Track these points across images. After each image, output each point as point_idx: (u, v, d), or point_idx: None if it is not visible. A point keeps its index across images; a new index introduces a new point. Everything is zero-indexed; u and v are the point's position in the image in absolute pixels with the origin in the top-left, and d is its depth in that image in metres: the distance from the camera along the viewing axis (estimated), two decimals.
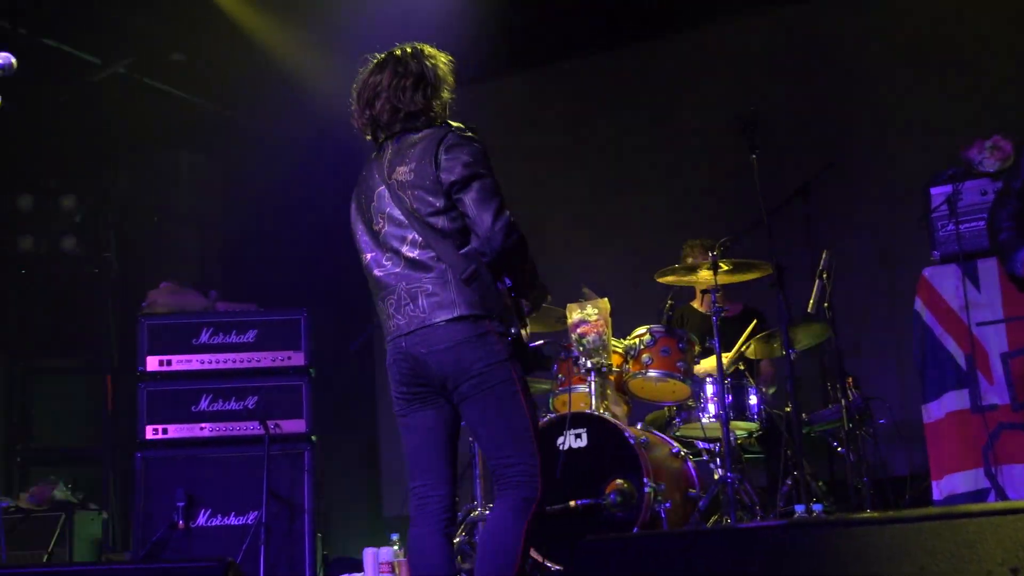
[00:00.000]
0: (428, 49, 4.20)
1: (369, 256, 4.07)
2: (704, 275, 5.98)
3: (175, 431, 6.77)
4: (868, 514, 5.57)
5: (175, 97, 9.87)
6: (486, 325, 3.88)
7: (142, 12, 8.85)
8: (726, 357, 6.11)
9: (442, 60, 4.19)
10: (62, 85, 9.07)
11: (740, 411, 6.07)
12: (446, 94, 4.16)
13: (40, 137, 9.06)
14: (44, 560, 6.87)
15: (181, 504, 6.58)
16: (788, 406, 5.76)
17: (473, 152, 3.96)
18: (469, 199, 3.89)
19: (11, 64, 3.80)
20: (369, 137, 4.21)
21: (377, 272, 4.03)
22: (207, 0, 8.57)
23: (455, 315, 3.86)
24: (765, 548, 2.36)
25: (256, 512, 6.60)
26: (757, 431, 6.25)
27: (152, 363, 6.84)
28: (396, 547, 6.00)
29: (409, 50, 4.18)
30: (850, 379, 6.02)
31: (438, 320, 3.87)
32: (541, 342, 4.09)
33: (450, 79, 4.19)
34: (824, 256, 5.98)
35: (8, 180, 8.60)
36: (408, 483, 4.03)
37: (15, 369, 8.79)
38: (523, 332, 4.03)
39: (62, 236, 8.58)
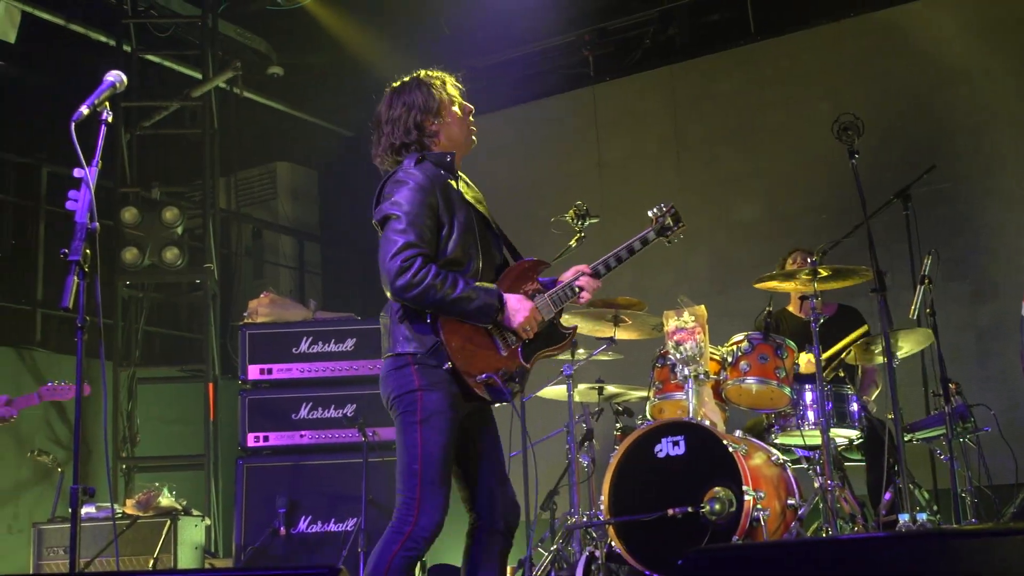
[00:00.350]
0: (426, 74, 4.28)
1: None
2: (803, 282, 5.90)
3: (276, 439, 6.87)
4: (984, 525, 5.46)
5: (274, 110, 10.05)
6: (407, 359, 4.04)
7: (241, 27, 9.03)
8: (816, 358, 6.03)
9: (437, 83, 4.25)
10: (164, 100, 9.27)
11: (840, 418, 5.98)
12: (444, 118, 4.21)
13: (143, 151, 9.28)
14: (150, 566, 7.00)
15: (282, 511, 6.68)
16: (890, 413, 5.66)
17: (398, 192, 4.06)
18: (381, 240, 4.05)
19: (122, 81, 3.91)
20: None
21: None
22: (305, 15, 8.69)
23: (388, 352, 4.13)
24: (877, 560, 2.32)
25: (355, 518, 6.68)
26: (858, 438, 6.16)
27: (253, 372, 6.95)
28: None
29: (407, 79, 4.28)
30: (953, 385, 5.90)
31: (384, 357, 4.17)
32: (485, 376, 4.07)
33: (444, 103, 4.23)
34: (926, 261, 5.88)
35: (112, 193, 8.79)
36: None
37: (120, 378, 8.98)
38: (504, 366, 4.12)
39: (165, 248, 8.72)
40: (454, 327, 4.06)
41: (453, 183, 4.19)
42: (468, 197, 4.23)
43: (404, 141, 4.17)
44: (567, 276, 4.38)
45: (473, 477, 4.19)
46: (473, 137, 4.35)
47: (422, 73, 4.27)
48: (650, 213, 4.76)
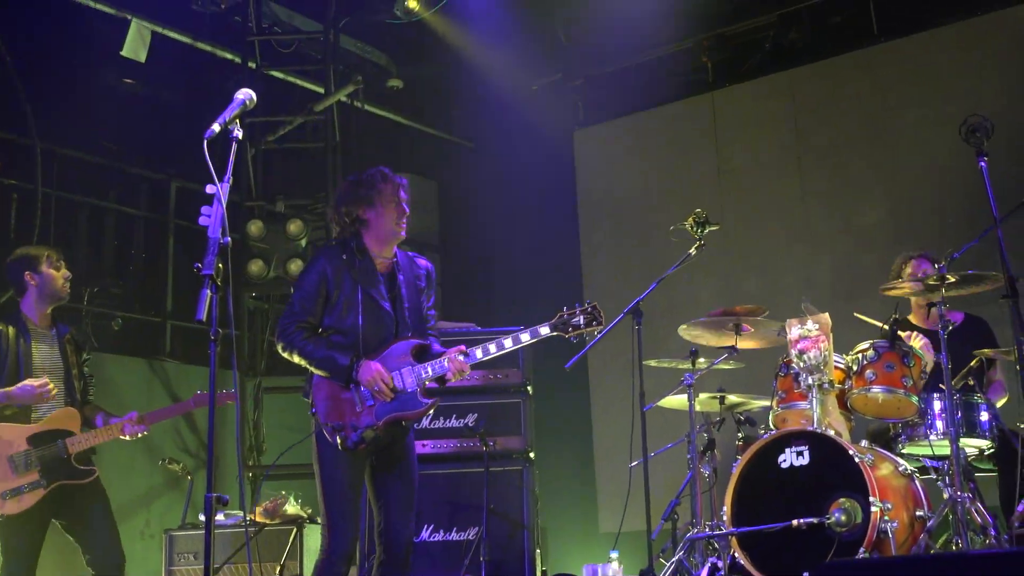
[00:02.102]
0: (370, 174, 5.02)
1: None
2: (930, 289, 5.75)
3: None
4: None
5: (394, 122, 10.18)
6: (311, 408, 4.95)
7: (362, 41, 9.17)
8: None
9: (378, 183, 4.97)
10: (288, 114, 9.46)
11: (970, 428, 5.82)
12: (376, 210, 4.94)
13: (268, 165, 9.48)
14: (277, 573, 7.13)
15: None
16: (1022, 423, 5.50)
17: (304, 268, 5.05)
18: None
19: (252, 98, 4.01)
20: None
21: None
22: (424, 27, 8.78)
23: None
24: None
25: (476, 528, 6.70)
26: (989, 448, 5.99)
27: None
28: (616, 563, 6.00)
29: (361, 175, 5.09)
30: None
31: None
32: (333, 424, 4.88)
33: (362, 199, 4.95)
34: None
35: (238, 207, 8.99)
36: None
37: (247, 388, 9.15)
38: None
39: (289, 260, 8.87)
40: (323, 382, 4.89)
41: (356, 263, 4.88)
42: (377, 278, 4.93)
43: (340, 224, 4.98)
44: (449, 352, 4.85)
45: (380, 510, 4.93)
46: (402, 232, 4.99)
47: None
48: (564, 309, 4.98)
